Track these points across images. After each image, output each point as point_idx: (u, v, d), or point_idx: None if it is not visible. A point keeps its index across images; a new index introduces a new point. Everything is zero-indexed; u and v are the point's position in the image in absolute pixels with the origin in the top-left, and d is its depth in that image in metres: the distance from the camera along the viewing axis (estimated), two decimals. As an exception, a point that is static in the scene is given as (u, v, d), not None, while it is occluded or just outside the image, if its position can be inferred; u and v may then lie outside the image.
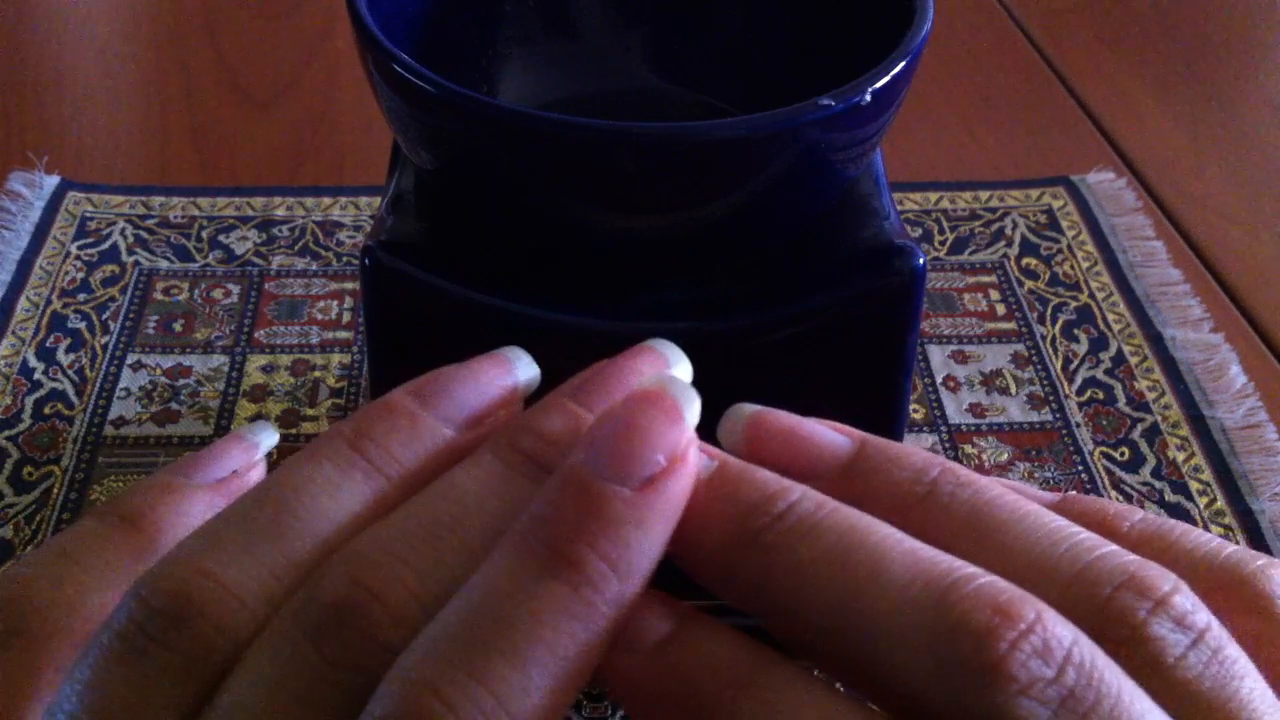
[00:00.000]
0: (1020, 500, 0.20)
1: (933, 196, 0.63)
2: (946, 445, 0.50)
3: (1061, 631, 0.17)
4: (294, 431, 0.50)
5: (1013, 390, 0.52)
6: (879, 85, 0.30)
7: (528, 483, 0.20)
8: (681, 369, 0.23)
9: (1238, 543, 0.46)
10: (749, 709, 0.18)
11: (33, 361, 0.52)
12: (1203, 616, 0.18)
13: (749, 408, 0.22)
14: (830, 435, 0.21)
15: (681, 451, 0.19)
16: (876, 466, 0.21)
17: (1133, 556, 0.18)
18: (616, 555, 0.18)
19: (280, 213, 0.61)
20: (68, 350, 0.52)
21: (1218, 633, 0.18)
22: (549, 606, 0.17)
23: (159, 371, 0.52)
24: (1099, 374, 0.53)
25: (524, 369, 0.23)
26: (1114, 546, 0.19)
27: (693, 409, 0.19)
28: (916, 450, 0.21)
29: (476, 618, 0.17)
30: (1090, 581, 0.18)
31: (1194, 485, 0.48)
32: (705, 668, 0.18)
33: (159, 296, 0.56)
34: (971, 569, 0.17)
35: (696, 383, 0.34)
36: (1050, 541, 0.19)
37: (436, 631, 0.17)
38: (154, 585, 0.19)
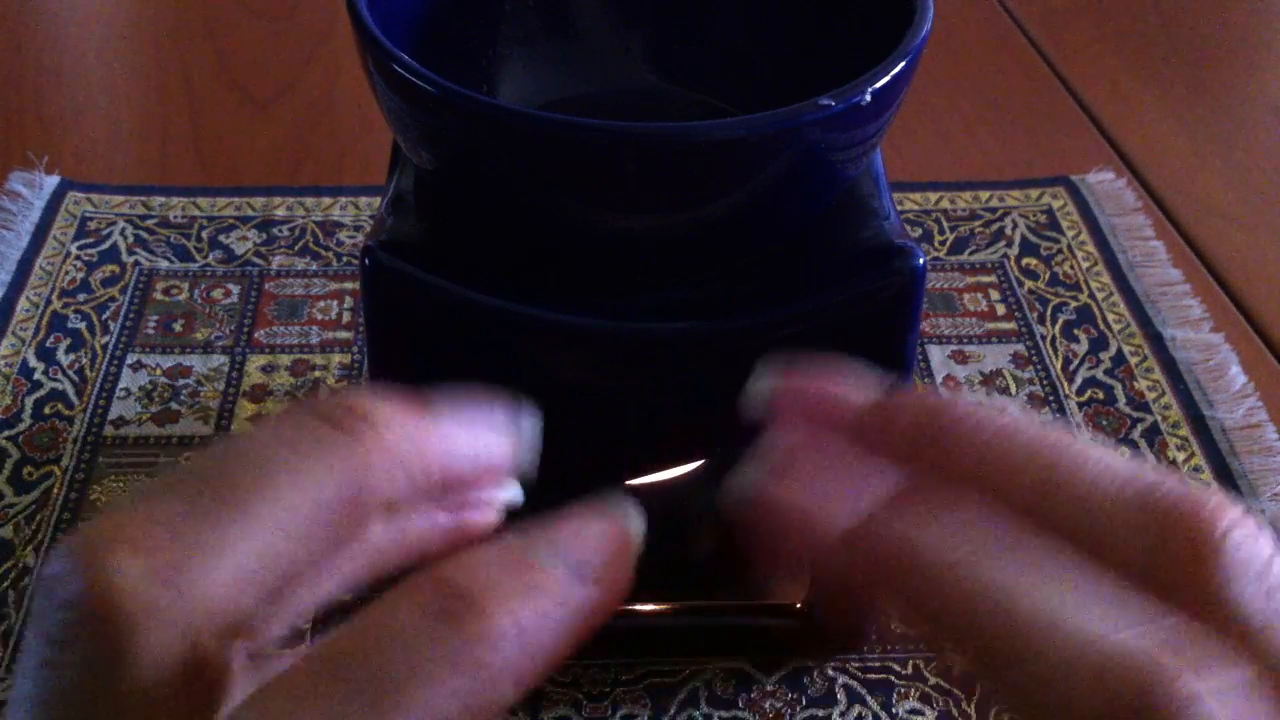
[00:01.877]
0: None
1: (933, 196, 0.63)
2: (946, 445, 0.50)
3: (1264, 538, 0.18)
4: (294, 431, 0.50)
5: (1013, 390, 0.52)
6: (879, 85, 0.30)
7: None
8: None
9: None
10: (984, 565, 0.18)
11: (33, 361, 0.52)
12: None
13: (774, 375, 0.23)
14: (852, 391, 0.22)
15: (616, 570, 0.19)
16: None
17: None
18: (527, 623, 0.17)
19: (280, 213, 0.61)
20: (68, 350, 0.52)
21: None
22: (437, 653, 0.16)
23: (159, 371, 0.52)
24: (1099, 374, 0.53)
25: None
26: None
27: (636, 537, 0.19)
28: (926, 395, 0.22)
29: (356, 649, 0.16)
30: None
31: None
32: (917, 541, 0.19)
33: (159, 296, 0.56)
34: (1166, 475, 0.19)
35: (698, 383, 0.34)
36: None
37: (313, 652, 0.16)
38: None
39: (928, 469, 0.20)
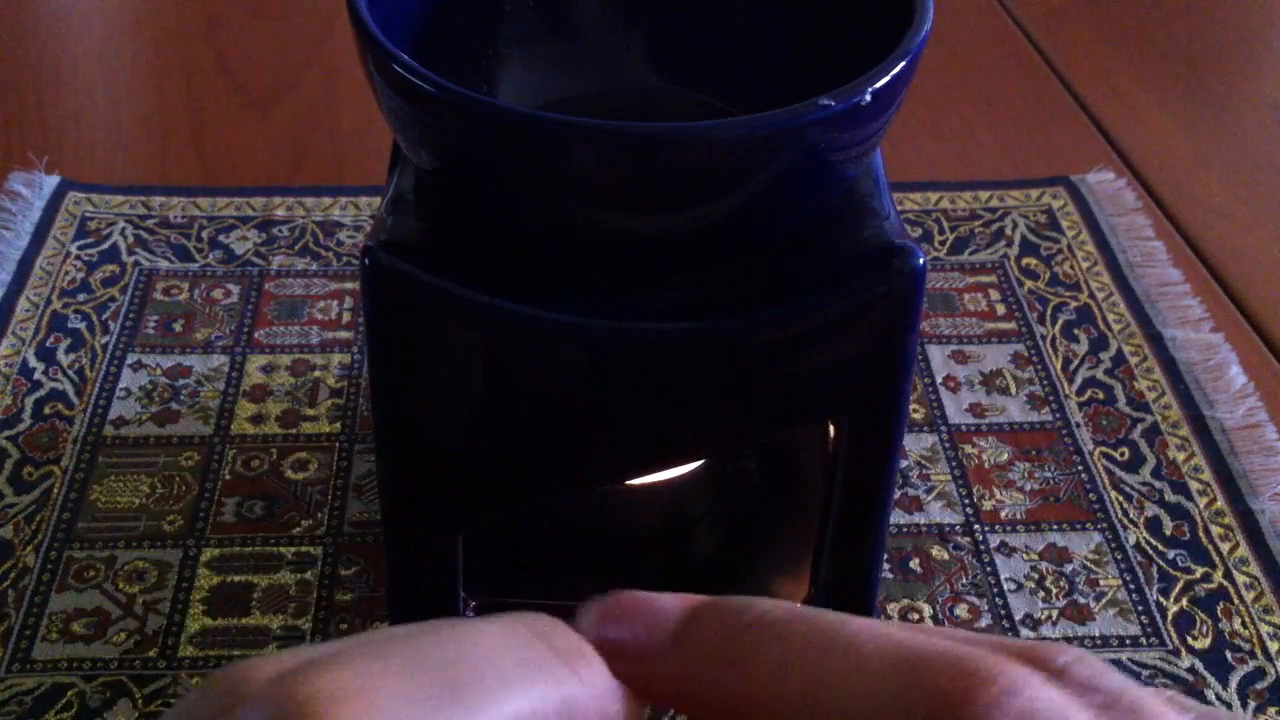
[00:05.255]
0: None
1: (933, 196, 0.63)
2: (946, 445, 0.50)
3: (1043, 694, 0.16)
4: (294, 431, 0.50)
5: (1013, 390, 0.52)
6: (879, 85, 0.30)
7: None
8: None
9: (1237, 543, 0.46)
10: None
11: (33, 361, 0.52)
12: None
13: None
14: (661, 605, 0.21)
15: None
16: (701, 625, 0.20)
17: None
18: (589, 668, 0.18)
19: (280, 213, 0.61)
20: (68, 350, 0.52)
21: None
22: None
23: (159, 371, 0.52)
24: (1099, 374, 0.53)
25: None
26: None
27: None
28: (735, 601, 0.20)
29: None
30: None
31: (1194, 485, 0.48)
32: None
33: (159, 296, 0.56)
34: (942, 641, 0.17)
35: (698, 383, 0.34)
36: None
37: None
38: None
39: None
